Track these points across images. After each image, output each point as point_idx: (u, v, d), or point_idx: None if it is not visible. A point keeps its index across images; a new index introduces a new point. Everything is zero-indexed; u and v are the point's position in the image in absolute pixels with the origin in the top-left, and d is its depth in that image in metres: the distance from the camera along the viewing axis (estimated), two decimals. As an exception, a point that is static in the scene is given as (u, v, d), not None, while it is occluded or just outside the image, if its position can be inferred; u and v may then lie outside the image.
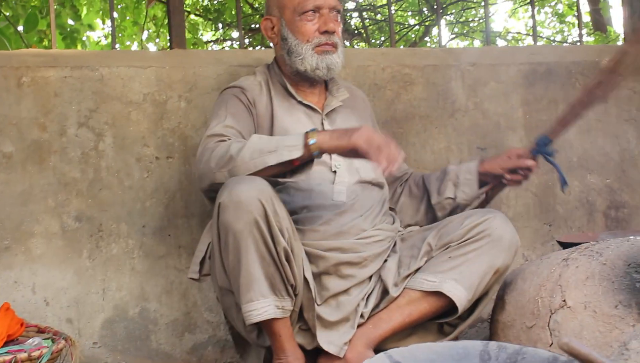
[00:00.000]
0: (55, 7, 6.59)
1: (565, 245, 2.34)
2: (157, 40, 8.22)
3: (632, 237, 2.05)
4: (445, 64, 3.09)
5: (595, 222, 3.15)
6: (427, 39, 9.88)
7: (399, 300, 2.25)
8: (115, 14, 7.59)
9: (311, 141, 2.08)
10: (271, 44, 2.51)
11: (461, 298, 2.19)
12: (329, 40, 2.37)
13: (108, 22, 8.05)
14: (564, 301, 1.95)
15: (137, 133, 2.73)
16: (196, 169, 2.21)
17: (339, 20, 2.41)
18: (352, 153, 2.07)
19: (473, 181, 2.46)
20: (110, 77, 2.72)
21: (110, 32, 8.07)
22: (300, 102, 2.42)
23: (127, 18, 7.66)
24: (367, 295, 2.27)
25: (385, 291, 2.28)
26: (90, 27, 7.56)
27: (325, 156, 2.23)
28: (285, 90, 2.43)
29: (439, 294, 2.20)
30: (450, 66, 3.08)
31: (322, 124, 2.42)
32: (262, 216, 2.00)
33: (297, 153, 2.08)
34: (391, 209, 2.53)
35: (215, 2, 8.18)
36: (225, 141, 2.18)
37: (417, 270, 2.28)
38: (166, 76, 2.77)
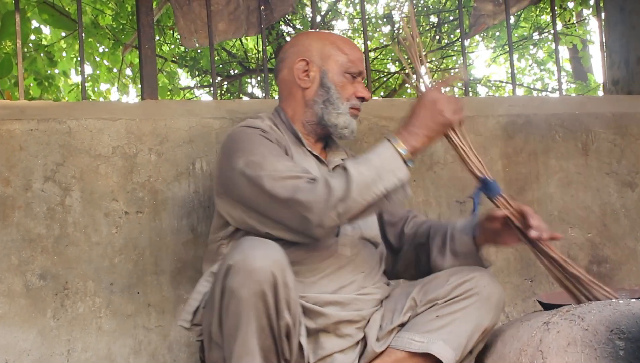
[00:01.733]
0: (30, 53, 6.58)
1: (546, 306, 2.26)
2: (131, 88, 8.21)
3: (614, 301, 1.98)
4: (423, 116, 3.03)
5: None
6: (407, 85, 9.90)
7: (383, 359, 2.19)
8: (87, 66, 7.56)
9: (402, 152, 2.09)
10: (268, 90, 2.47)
11: (449, 359, 2.12)
12: (359, 106, 2.41)
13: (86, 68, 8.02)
14: (545, 368, 1.87)
15: (106, 187, 2.65)
16: (288, 215, 2.08)
17: None
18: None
19: (473, 251, 2.37)
20: (78, 129, 2.65)
21: (86, 78, 8.04)
22: (309, 151, 2.39)
23: (105, 63, 7.60)
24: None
25: (364, 345, 2.21)
26: (65, 75, 7.51)
27: None
28: (296, 137, 2.38)
29: (426, 355, 2.13)
30: (429, 118, 3.02)
31: None
32: (271, 288, 1.92)
33: (402, 172, 2.07)
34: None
35: (189, 49, 8.16)
36: (316, 180, 2.09)
37: (400, 326, 2.21)
38: (136, 128, 2.70)
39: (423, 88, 2.25)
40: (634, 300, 1.97)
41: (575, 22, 9.21)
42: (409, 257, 2.49)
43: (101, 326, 2.61)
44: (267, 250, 1.95)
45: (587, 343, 1.84)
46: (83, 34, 2.97)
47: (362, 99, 2.41)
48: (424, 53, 2.30)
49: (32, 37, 6.53)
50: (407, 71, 2.37)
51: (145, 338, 2.64)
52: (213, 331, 2.05)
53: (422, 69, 2.29)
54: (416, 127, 2.12)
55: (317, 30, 2.73)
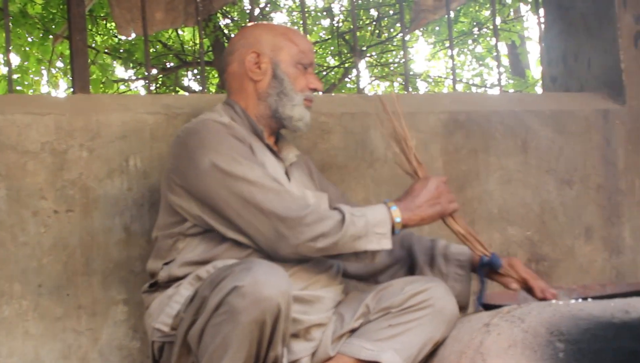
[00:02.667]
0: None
1: (486, 306, 2.25)
2: (64, 78, 8.00)
3: (553, 302, 1.97)
4: (363, 112, 3.00)
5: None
6: (347, 79, 9.90)
7: None
8: (16, 56, 7.33)
9: (397, 220, 2.13)
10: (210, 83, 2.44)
11: None
12: (312, 98, 2.40)
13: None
14: (486, 371, 1.86)
15: (34, 185, 2.54)
16: (266, 225, 2.07)
17: None
18: None
19: (466, 279, 2.42)
20: (4, 124, 2.53)
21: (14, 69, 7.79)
22: (267, 146, 2.35)
23: (35, 54, 7.37)
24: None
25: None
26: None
27: None
28: (255, 132, 2.33)
29: None
30: (369, 114, 2.99)
31: (287, 174, 2.36)
32: (273, 319, 1.87)
33: (386, 243, 2.11)
34: None
35: (123, 40, 7.97)
36: (304, 201, 2.12)
37: (351, 332, 2.18)
38: (67, 124, 2.60)
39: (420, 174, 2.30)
40: (573, 301, 1.98)
41: (513, 18, 9.33)
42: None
43: (28, 330, 2.50)
44: (278, 278, 1.89)
45: (528, 346, 1.84)
46: (10, 24, 2.84)
47: (315, 90, 2.40)
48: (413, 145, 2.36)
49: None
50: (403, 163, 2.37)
51: (75, 342, 2.54)
52: (191, 337, 1.98)
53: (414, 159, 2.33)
54: (415, 207, 2.18)
55: (266, 22, 2.71)
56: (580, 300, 2.01)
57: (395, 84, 10.69)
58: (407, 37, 5.84)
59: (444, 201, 2.22)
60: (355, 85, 9.54)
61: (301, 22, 7.85)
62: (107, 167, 2.62)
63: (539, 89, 9.27)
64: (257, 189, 2.09)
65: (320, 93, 2.71)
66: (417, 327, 2.12)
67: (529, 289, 2.31)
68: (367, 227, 2.09)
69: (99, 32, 8.25)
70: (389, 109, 2.39)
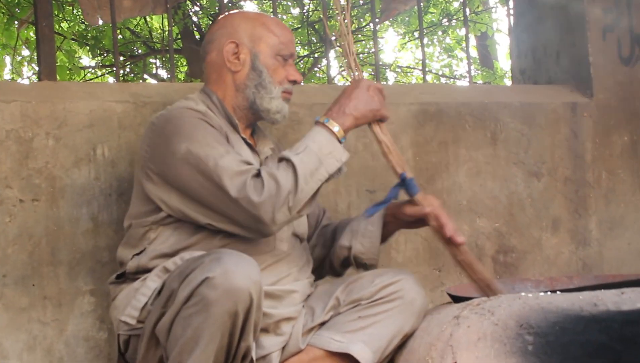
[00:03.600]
0: None
1: (456, 298, 2.25)
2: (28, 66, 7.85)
3: (523, 294, 1.98)
4: (334, 103, 2.98)
5: (484, 267, 3.10)
6: (316, 69, 9.87)
7: (301, 356, 2.16)
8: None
9: (336, 129, 2.15)
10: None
11: (368, 361, 2.10)
12: (292, 90, 2.38)
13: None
14: (455, 363, 1.86)
15: (-1, 174, 2.49)
16: (238, 212, 2.04)
17: None
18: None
19: (375, 234, 2.37)
20: (-32, 111, 2.48)
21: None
22: (242, 139, 2.31)
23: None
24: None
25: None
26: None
27: None
28: (231, 123, 2.30)
29: (344, 355, 2.10)
30: (339, 105, 2.97)
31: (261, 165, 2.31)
32: (245, 309, 1.86)
33: (340, 152, 2.14)
34: None
35: (91, 27, 7.84)
36: (261, 174, 2.05)
37: (321, 324, 2.18)
38: (32, 112, 2.55)
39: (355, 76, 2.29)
40: (542, 294, 1.98)
41: (483, 9, 9.36)
42: (317, 255, 2.46)
43: (-8, 320, 2.46)
44: (249, 268, 1.88)
45: (497, 338, 1.84)
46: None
47: (294, 82, 2.37)
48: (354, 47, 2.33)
49: None
50: (341, 64, 2.38)
51: (41, 333, 2.51)
52: (159, 330, 1.95)
53: (353, 62, 2.32)
54: (347, 108, 2.19)
55: (246, 10, 2.68)
56: (549, 293, 2.02)
57: (365, 75, 10.65)
58: (377, 28, 5.83)
59: (379, 99, 2.23)
60: (325, 75, 9.52)
61: (271, 10, 7.79)
62: (74, 156, 2.58)
63: (507, 81, 9.34)
64: (227, 177, 2.05)
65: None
66: (387, 318, 2.13)
67: (440, 226, 2.26)
68: (317, 156, 2.09)
69: (66, 18, 8.11)
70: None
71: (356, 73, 2.31)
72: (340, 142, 2.15)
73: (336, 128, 2.15)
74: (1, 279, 2.48)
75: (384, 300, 2.14)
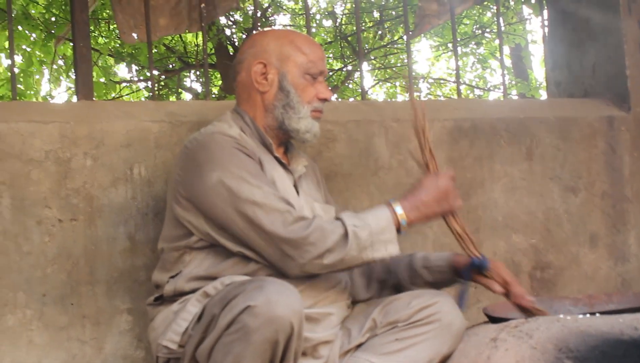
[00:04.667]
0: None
1: (493, 319, 2.24)
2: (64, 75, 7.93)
3: (561, 317, 1.96)
4: (368, 120, 2.99)
5: (520, 283, 3.07)
6: (350, 80, 9.86)
7: None
8: (17, 57, 7.29)
9: (403, 222, 2.11)
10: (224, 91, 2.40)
11: None
12: (322, 108, 2.35)
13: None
14: (493, 387, 1.84)
15: (38, 194, 2.52)
16: (270, 246, 2.06)
17: None
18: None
19: (448, 281, 2.39)
20: (8, 133, 2.51)
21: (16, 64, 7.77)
22: (276, 158, 2.31)
23: (37, 54, 7.34)
24: None
25: None
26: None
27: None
28: (264, 144, 2.30)
29: None
30: (373, 122, 2.98)
31: (295, 186, 2.33)
32: (286, 339, 1.86)
33: (393, 248, 2.09)
34: None
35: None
36: (306, 219, 2.07)
37: (358, 346, 2.18)
38: (70, 132, 2.58)
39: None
40: (581, 316, 1.96)
41: (517, 21, 9.30)
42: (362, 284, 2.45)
43: (32, 339, 2.48)
44: (290, 297, 1.87)
45: (536, 362, 1.82)
46: (13, 27, 2.83)
47: (324, 100, 2.34)
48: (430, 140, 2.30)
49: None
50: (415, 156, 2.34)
51: (80, 351, 2.53)
52: (200, 355, 1.95)
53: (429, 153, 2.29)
54: (421, 205, 2.15)
55: (276, 28, 2.68)
56: (587, 315, 1.99)
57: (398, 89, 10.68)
58: (410, 42, 5.82)
59: (451, 198, 2.19)
60: (359, 87, 9.52)
61: (304, 24, 7.80)
62: (112, 176, 2.60)
63: (542, 92, 9.26)
64: (262, 211, 2.06)
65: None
66: (424, 341, 2.11)
67: (507, 294, 2.28)
68: (371, 236, 2.06)
69: (102, 34, 8.22)
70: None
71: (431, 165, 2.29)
72: (399, 232, 2.12)
73: (403, 221, 2.11)
74: (41, 298, 2.50)
75: (421, 323, 2.13)
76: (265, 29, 2.80)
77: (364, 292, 2.43)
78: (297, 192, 2.32)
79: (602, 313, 2.09)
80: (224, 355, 1.87)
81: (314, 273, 2.09)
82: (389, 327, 2.16)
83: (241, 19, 8.35)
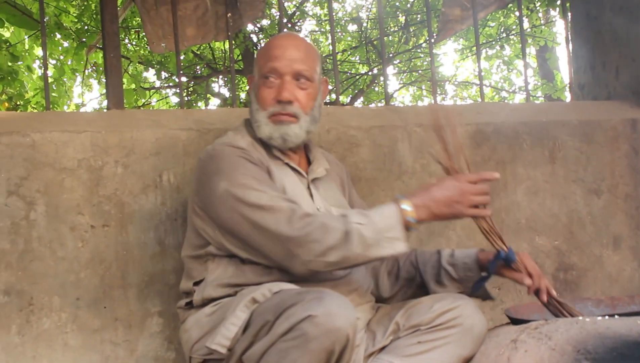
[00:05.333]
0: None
1: (514, 321, 2.27)
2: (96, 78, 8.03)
3: (580, 319, 1.99)
4: (392, 125, 3.03)
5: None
6: (376, 83, 9.88)
7: None
8: (52, 62, 7.43)
9: (409, 219, 2.07)
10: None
11: None
12: (284, 111, 2.28)
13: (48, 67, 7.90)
14: (513, 387, 1.88)
15: (71, 201, 2.61)
16: (276, 245, 2.08)
17: (306, 87, 2.31)
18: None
19: (473, 279, 2.40)
20: (42, 142, 2.60)
21: (51, 72, 7.93)
22: (287, 164, 2.34)
23: (69, 62, 7.48)
24: None
25: None
26: (29, 69, 7.39)
27: None
28: (271, 151, 2.33)
29: None
30: (397, 127, 3.03)
31: (309, 188, 2.35)
32: (341, 349, 1.90)
33: (400, 246, 2.06)
34: None
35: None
36: (310, 215, 2.07)
37: (381, 349, 2.21)
38: (102, 141, 2.66)
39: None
40: (600, 318, 1.99)
41: (542, 23, 9.27)
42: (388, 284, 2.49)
43: (67, 341, 2.57)
44: (348, 310, 1.91)
45: (555, 363, 1.85)
46: (46, 38, 2.92)
47: (280, 101, 2.27)
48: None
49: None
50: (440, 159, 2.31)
51: (113, 353, 2.61)
52: (248, 358, 1.99)
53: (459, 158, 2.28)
54: (432, 203, 2.12)
55: (271, 37, 2.69)
56: (607, 317, 2.02)
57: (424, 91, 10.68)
58: (433, 47, 5.87)
59: (465, 203, 2.14)
60: (383, 91, 9.55)
61: (329, 29, 7.86)
62: (142, 183, 2.68)
63: (568, 94, 9.22)
64: (267, 213, 2.09)
65: (345, 107, 2.71)
66: (446, 345, 2.15)
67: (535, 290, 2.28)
68: (377, 234, 2.04)
69: (131, 42, 8.34)
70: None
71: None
72: (408, 229, 2.09)
73: (411, 218, 2.08)
74: (75, 302, 2.59)
75: (443, 327, 2.16)
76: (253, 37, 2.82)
77: (389, 291, 2.48)
78: (311, 195, 2.35)
79: (622, 315, 2.12)
80: (278, 359, 1.90)
81: (319, 270, 2.10)
82: (411, 330, 2.19)
83: (267, 25, 8.42)
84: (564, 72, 10.83)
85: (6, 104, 7.44)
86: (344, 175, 2.60)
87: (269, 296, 2.05)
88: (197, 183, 2.27)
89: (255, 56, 2.38)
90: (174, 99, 9.86)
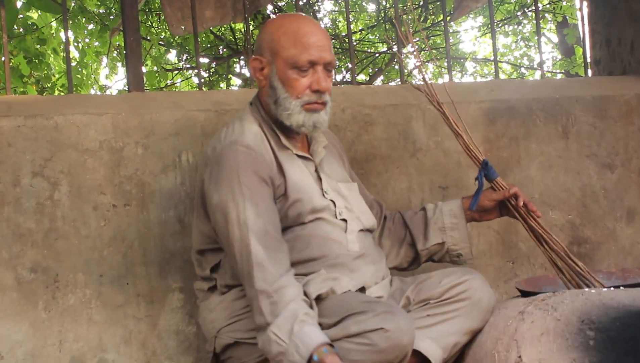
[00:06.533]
0: (18, 32, 6.58)
1: (524, 293, 2.33)
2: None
3: (586, 290, 2.05)
4: (406, 103, 3.08)
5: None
6: (394, 61, 9.87)
7: None
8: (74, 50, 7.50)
9: (315, 358, 1.99)
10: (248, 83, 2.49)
11: (437, 357, 2.20)
12: (319, 100, 2.28)
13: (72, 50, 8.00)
14: (520, 357, 1.95)
15: (94, 181, 2.69)
16: (240, 271, 2.16)
17: (331, 74, 2.33)
18: None
19: (461, 225, 2.51)
20: (65, 125, 2.68)
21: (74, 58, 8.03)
22: (295, 155, 2.37)
23: (96, 43, 7.58)
24: None
25: None
26: (55, 52, 7.49)
27: (329, 203, 2.30)
28: (279, 141, 2.35)
29: (414, 351, 2.17)
30: (411, 105, 3.07)
31: (317, 172, 2.38)
32: (398, 361, 2.01)
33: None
34: None
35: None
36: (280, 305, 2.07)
37: None
38: (122, 123, 2.74)
39: (411, 65, 2.39)
40: (605, 290, 2.04)
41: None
42: (391, 251, 2.57)
43: (92, 317, 2.66)
44: (412, 327, 2.03)
45: (560, 334, 1.91)
46: (69, 21, 2.99)
47: (318, 91, 2.27)
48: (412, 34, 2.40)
49: (21, 15, 6.51)
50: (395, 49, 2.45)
51: (135, 327, 2.70)
52: None
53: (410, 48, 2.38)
54: None
55: (281, 16, 2.68)
56: (612, 288, 2.07)
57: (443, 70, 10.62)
58: (451, 23, 5.89)
59: None
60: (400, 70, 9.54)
61: (344, 10, 7.85)
62: (161, 163, 2.76)
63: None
64: (252, 234, 2.13)
65: (360, 86, 2.77)
66: (454, 317, 2.22)
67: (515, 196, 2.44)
68: (285, 352, 2.03)
69: (152, 25, 8.41)
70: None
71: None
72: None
73: (315, 357, 1.99)
74: (99, 279, 2.68)
75: (451, 300, 2.23)
76: (272, 17, 2.81)
77: (394, 259, 2.58)
78: (320, 177, 2.38)
79: (627, 286, 2.17)
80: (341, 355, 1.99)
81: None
82: (421, 303, 2.27)
83: (285, 6, 8.44)
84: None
85: (34, 87, 7.57)
86: (339, 147, 2.63)
87: (338, 292, 2.13)
88: (201, 183, 2.33)
89: (268, 37, 2.33)
90: (196, 80, 9.96)
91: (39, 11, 6.88)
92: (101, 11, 7.28)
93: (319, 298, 2.13)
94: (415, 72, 9.04)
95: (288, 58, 2.26)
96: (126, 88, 3.44)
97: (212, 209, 2.24)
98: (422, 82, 2.64)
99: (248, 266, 2.12)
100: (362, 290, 2.26)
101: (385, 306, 2.02)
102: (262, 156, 2.26)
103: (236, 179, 2.18)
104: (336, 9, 10.65)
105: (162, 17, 8.10)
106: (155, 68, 8.25)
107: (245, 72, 9.65)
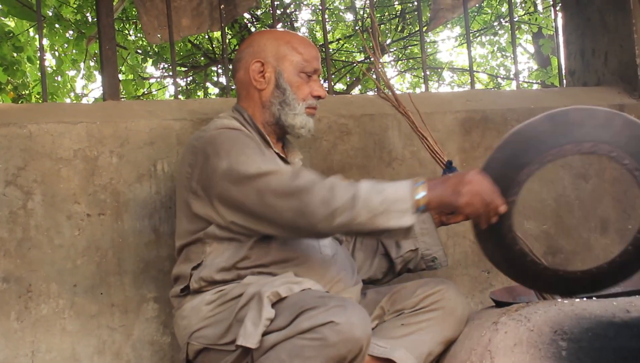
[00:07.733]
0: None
1: (498, 303, 2.34)
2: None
3: (559, 301, 2.06)
4: (382, 113, 3.09)
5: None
6: (371, 71, 9.90)
7: None
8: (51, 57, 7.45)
9: (417, 196, 2.05)
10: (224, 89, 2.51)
11: None
12: (316, 105, 2.45)
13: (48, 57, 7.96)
14: (493, 367, 1.95)
15: (68, 190, 2.68)
16: (284, 208, 2.09)
17: None
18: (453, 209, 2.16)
19: (431, 229, 2.50)
20: (39, 133, 2.66)
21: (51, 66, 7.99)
22: (276, 153, 2.42)
23: (73, 51, 7.54)
24: None
25: None
26: (30, 60, 7.45)
27: None
28: (263, 138, 2.41)
29: (387, 360, 2.19)
30: (387, 115, 3.08)
31: None
32: (352, 357, 1.96)
33: (407, 220, 2.03)
34: None
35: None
36: (313, 179, 2.08)
37: None
38: (97, 131, 2.73)
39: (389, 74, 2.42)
40: (577, 300, 2.06)
41: (535, 11, 9.29)
42: (363, 262, 2.57)
43: (65, 327, 2.64)
44: (366, 320, 1.97)
45: (533, 344, 1.93)
46: (46, 29, 2.97)
47: (318, 97, 2.44)
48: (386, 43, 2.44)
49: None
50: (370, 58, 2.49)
51: (109, 337, 2.68)
52: (261, 348, 2.02)
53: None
54: (447, 189, 2.10)
55: (273, 29, 2.77)
56: (584, 299, 2.09)
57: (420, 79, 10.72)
58: (427, 33, 5.94)
59: (471, 192, 2.11)
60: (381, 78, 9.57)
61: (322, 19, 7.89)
62: (136, 172, 2.74)
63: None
64: (273, 177, 2.12)
65: (336, 95, 2.79)
66: (429, 327, 2.23)
67: None
68: (385, 204, 2.02)
69: (129, 33, 8.37)
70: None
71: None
72: (417, 209, 2.06)
73: (418, 195, 2.06)
74: (72, 288, 2.66)
75: (425, 310, 2.24)
76: (263, 29, 2.91)
77: (367, 270, 2.56)
78: None
79: (600, 296, 2.18)
80: (290, 355, 1.95)
81: (327, 232, 2.14)
82: (395, 313, 2.28)
83: (263, 17, 8.45)
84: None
85: (12, 94, 7.51)
86: (309, 166, 2.69)
87: (296, 291, 2.07)
88: (192, 168, 2.29)
89: (271, 44, 2.45)
90: (173, 89, 9.92)
91: (16, 19, 6.85)
92: (77, 19, 7.23)
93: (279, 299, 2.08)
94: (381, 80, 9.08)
95: (297, 63, 2.42)
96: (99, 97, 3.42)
97: (222, 176, 2.19)
98: (389, 91, 2.68)
99: (281, 186, 2.09)
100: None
101: (338, 300, 1.97)
102: (252, 136, 2.33)
103: (238, 145, 2.23)
104: (313, 18, 10.69)
105: (139, 26, 8.10)
106: (131, 77, 8.22)
107: (223, 80, 9.65)
